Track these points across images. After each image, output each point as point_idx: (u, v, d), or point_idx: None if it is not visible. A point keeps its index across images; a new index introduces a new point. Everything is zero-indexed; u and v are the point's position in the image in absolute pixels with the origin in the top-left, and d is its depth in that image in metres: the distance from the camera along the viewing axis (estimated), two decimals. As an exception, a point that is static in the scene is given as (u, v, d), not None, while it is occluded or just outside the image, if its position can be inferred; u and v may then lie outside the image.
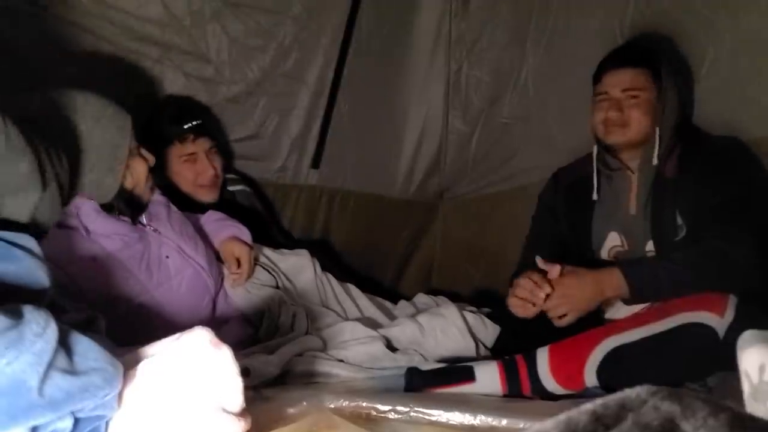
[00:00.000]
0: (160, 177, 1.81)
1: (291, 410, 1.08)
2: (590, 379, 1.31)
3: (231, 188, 2.02)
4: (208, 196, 1.88)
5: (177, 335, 0.83)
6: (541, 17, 2.16)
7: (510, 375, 1.34)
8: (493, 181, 2.43)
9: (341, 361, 1.38)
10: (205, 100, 1.94)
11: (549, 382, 1.33)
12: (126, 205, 1.37)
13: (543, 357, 1.35)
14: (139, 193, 1.39)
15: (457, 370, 1.37)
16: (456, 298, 1.98)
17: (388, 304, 1.83)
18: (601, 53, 1.92)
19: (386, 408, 1.10)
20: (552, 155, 2.05)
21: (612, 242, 1.70)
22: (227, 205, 1.89)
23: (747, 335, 0.87)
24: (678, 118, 1.64)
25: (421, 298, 1.89)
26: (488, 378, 1.34)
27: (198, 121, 1.84)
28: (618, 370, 1.28)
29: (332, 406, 1.10)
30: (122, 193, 1.34)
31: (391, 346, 1.48)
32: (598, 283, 1.45)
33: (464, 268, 2.53)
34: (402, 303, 1.86)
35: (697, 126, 1.73)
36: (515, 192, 2.33)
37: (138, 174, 1.36)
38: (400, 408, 1.10)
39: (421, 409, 1.10)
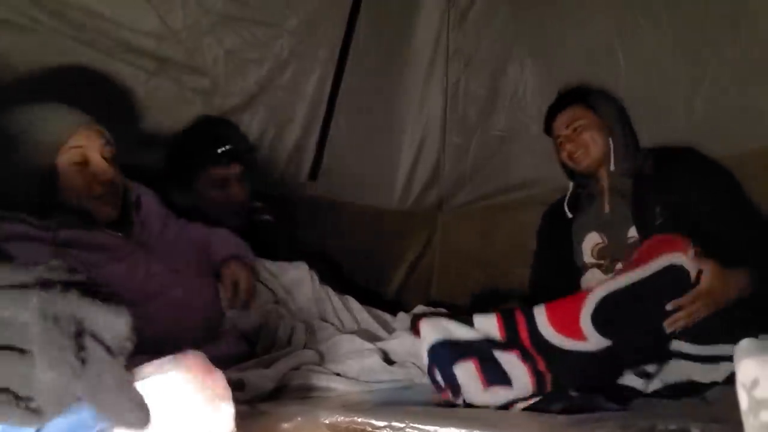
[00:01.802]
0: (187, 198, 1.82)
1: (286, 425, 1.06)
2: (586, 325, 1.32)
3: (254, 218, 2.00)
4: (236, 221, 1.86)
5: (169, 357, 0.82)
6: (538, 30, 2.18)
7: (507, 323, 1.37)
8: (492, 193, 2.44)
9: (338, 374, 1.37)
10: (201, 113, 1.93)
11: (547, 330, 1.35)
12: (81, 217, 1.33)
13: (540, 310, 1.38)
14: (85, 207, 1.34)
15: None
16: (456, 309, 1.97)
17: (387, 316, 1.82)
18: (597, 66, 1.96)
19: (382, 424, 1.08)
20: (550, 167, 2.06)
21: (592, 241, 1.91)
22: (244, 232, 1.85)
23: (744, 344, 0.85)
24: (627, 132, 1.88)
25: (420, 310, 1.88)
26: (487, 324, 1.38)
27: (231, 146, 1.83)
28: (611, 315, 1.33)
29: (327, 421, 1.08)
30: (65, 205, 1.31)
31: (388, 359, 1.47)
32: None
33: (464, 280, 2.53)
34: (401, 315, 1.85)
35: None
36: (514, 203, 2.34)
37: (69, 189, 1.32)
38: (395, 424, 1.08)
39: (416, 425, 1.07)
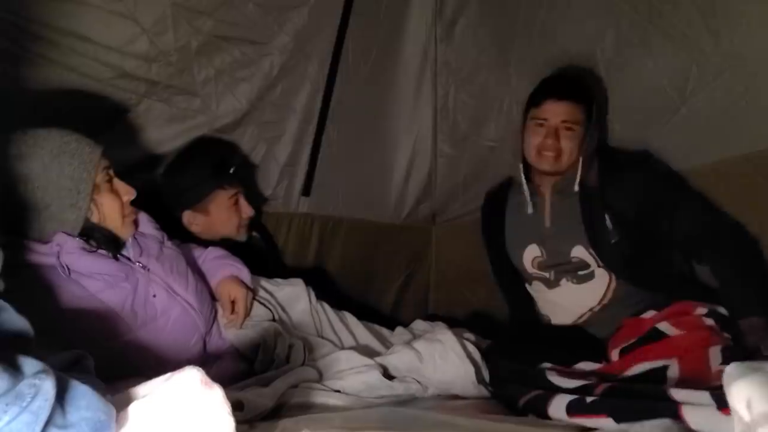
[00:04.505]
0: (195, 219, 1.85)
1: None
2: None
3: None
4: (244, 235, 1.92)
5: (168, 375, 0.82)
6: (522, 40, 2.19)
7: None
8: (484, 204, 2.44)
9: (337, 391, 1.36)
10: (193, 133, 1.93)
11: None
12: (104, 241, 1.35)
13: None
14: (112, 228, 1.37)
15: None
16: (454, 322, 1.97)
17: (384, 331, 1.82)
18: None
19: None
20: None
21: (532, 254, 1.88)
22: (239, 247, 1.87)
23: (731, 369, 0.84)
24: (596, 145, 1.84)
25: (419, 325, 1.89)
26: None
27: (237, 166, 1.88)
28: None
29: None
30: (95, 228, 1.34)
31: (387, 374, 1.47)
32: None
33: (460, 292, 2.52)
34: (399, 329, 1.85)
35: (608, 145, 1.94)
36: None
37: (107, 209, 1.35)
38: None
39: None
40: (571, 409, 1.30)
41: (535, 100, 1.81)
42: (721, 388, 1.13)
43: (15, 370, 0.68)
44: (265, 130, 2.11)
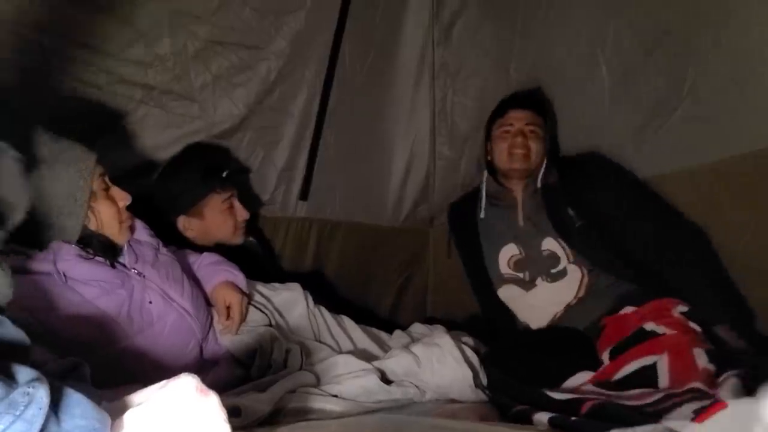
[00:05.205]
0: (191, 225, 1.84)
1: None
2: None
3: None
4: (241, 238, 1.92)
5: (163, 382, 0.81)
6: (522, 42, 2.20)
7: None
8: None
9: (335, 396, 1.36)
10: (190, 138, 1.92)
11: None
12: (101, 248, 1.35)
13: None
14: (109, 234, 1.37)
15: None
16: (453, 325, 1.97)
17: (383, 335, 1.81)
18: (583, 77, 1.99)
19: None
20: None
21: (509, 253, 1.97)
22: (235, 252, 1.86)
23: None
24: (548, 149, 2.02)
25: (417, 328, 1.88)
26: None
27: (230, 170, 1.88)
28: None
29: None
30: (93, 235, 1.33)
31: (385, 379, 1.46)
32: None
33: (458, 295, 2.51)
34: (397, 333, 1.85)
35: (561, 155, 2.13)
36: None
37: (104, 216, 1.35)
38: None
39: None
40: (554, 425, 1.30)
41: (499, 112, 2.02)
42: (701, 391, 1.20)
43: (9, 379, 0.68)
44: (263, 135, 2.11)
